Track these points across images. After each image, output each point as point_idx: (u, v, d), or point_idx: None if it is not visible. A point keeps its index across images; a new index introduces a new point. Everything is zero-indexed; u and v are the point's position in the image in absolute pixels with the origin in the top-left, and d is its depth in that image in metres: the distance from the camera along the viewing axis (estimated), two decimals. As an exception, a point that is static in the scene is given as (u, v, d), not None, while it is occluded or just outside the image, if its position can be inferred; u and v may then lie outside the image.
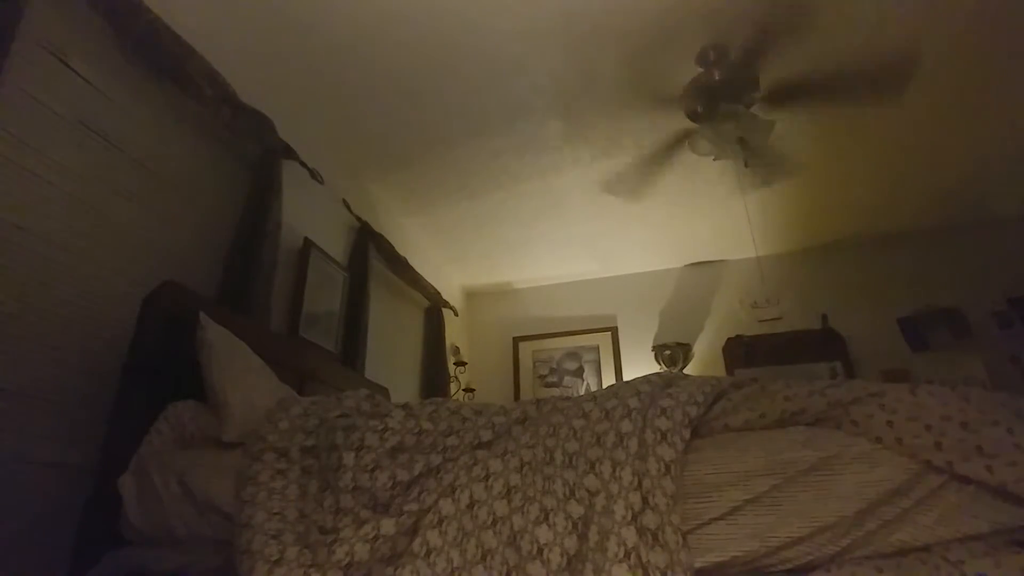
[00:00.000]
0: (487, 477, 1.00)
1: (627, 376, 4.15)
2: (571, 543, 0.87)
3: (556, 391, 4.34)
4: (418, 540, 0.91)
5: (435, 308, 3.94)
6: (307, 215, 2.60)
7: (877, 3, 2.16)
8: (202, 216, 2.02)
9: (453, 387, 3.99)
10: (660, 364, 4.12)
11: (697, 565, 0.83)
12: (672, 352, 4.12)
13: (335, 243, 2.84)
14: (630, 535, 0.83)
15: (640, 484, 0.89)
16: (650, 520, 0.85)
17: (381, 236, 3.19)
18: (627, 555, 0.81)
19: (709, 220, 3.79)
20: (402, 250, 3.40)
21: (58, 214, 1.48)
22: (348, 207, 2.97)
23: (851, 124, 2.86)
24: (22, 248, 1.38)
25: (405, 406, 1.23)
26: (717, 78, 2.46)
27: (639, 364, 4.18)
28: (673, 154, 2.99)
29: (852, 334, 3.80)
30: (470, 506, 0.96)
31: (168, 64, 1.81)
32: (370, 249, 3.05)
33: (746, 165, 2.83)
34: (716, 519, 0.86)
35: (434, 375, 3.71)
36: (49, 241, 1.45)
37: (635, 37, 2.31)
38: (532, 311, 4.69)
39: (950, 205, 3.58)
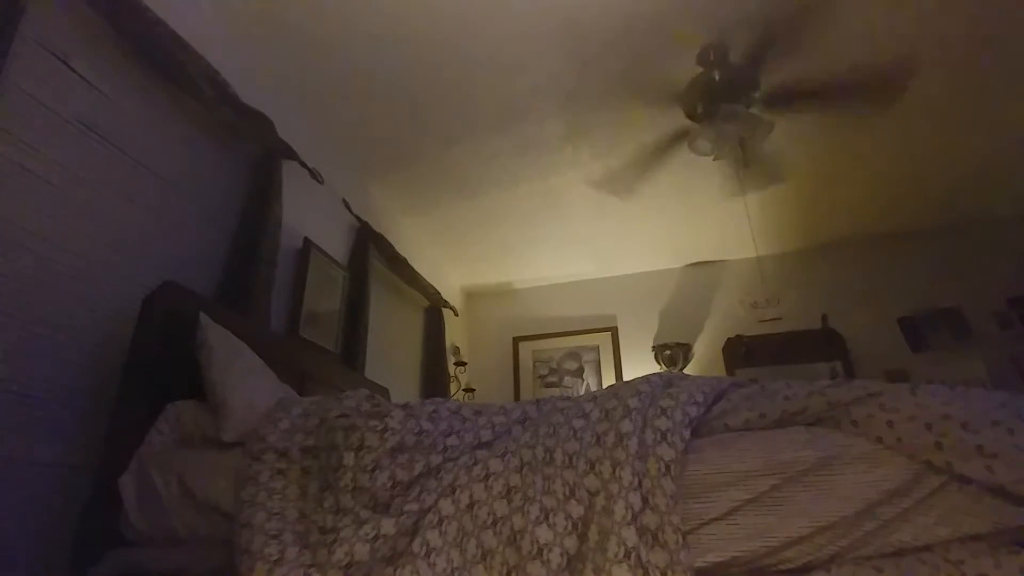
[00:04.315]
0: (487, 477, 1.00)
1: (627, 376, 4.15)
2: (571, 543, 0.87)
3: (556, 391, 4.34)
4: (418, 540, 0.91)
5: (435, 308, 3.94)
6: (307, 215, 2.60)
7: (876, 10, 2.17)
8: (202, 216, 2.02)
9: (453, 387, 3.99)
10: (660, 364, 4.12)
11: (697, 565, 0.83)
12: (672, 352, 4.12)
13: (335, 243, 2.84)
14: (630, 535, 0.83)
15: (640, 484, 0.89)
16: (650, 520, 0.85)
17: (381, 236, 3.19)
18: (627, 555, 0.81)
19: (709, 220, 3.79)
20: (402, 250, 3.40)
21: (58, 214, 1.48)
22: (348, 207, 2.97)
23: (852, 124, 2.85)
24: (22, 248, 1.38)
25: (405, 406, 1.23)
26: (717, 78, 2.46)
27: (639, 364, 4.18)
28: (673, 154, 2.99)
29: (852, 334, 3.80)
30: (470, 506, 0.96)
31: (168, 64, 1.81)
32: (370, 249, 3.05)
33: (746, 165, 2.83)
34: (716, 519, 0.86)
35: (434, 375, 3.71)
36: (49, 241, 1.45)
37: (635, 37, 2.31)
38: (532, 311, 4.69)
39: (950, 205, 3.57)
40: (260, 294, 2.06)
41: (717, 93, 2.49)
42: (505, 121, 2.81)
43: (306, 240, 2.56)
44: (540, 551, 0.87)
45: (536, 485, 0.96)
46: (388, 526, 0.95)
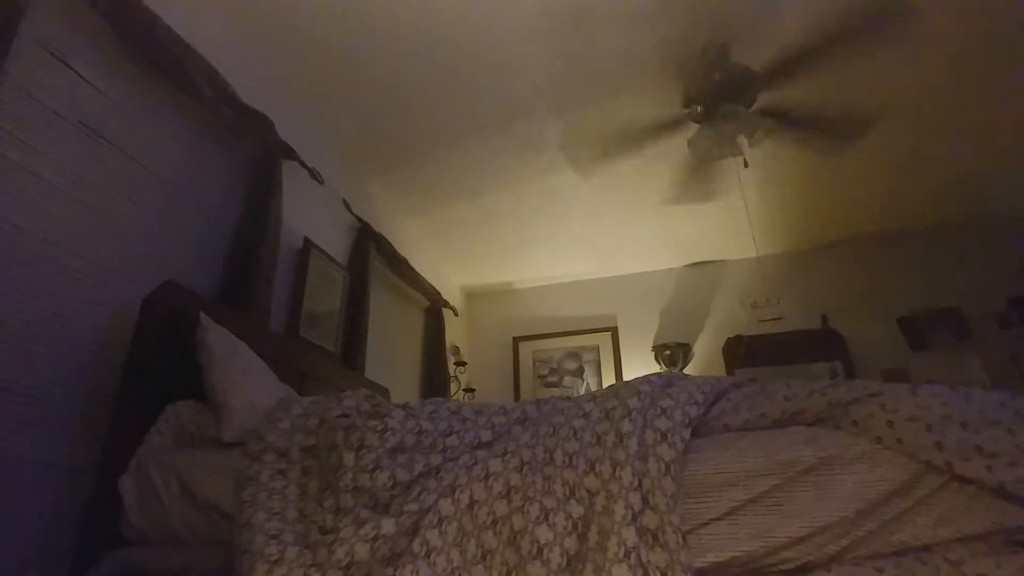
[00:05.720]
0: (487, 477, 1.00)
1: (627, 376, 4.15)
2: (571, 543, 0.87)
3: (556, 391, 4.34)
4: (418, 540, 0.91)
5: (435, 308, 3.94)
6: (307, 215, 2.60)
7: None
8: (202, 216, 2.02)
9: (453, 387, 3.99)
10: (660, 364, 4.12)
11: (697, 565, 0.83)
12: (672, 352, 4.11)
13: (335, 243, 2.84)
14: (630, 535, 0.83)
15: (640, 484, 0.89)
16: (650, 520, 0.85)
17: (381, 236, 3.19)
18: (627, 555, 0.81)
19: (709, 220, 3.79)
20: (402, 250, 3.40)
21: (58, 214, 1.48)
22: (348, 207, 2.97)
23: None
24: (22, 248, 1.38)
25: (405, 406, 1.23)
26: (717, 78, 2.46)
27: (639, 364, 4.18)
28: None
29: (852, 334, 3.80)
30: (470, 506, 0.96)
31: (168, 64, 1.81)
32: (370, 249, 3.05)
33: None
34: (716, 519, 0.86)
35: (434, 375, 3.71)
36: (49, 241, 1.45)
37: (635, 37, 2.31)
38: (532, 311, 4.69)
39: (950, 205, 3.57)
40: (260, 294, 2.06)
41: (717, 93, 2.49)
42: (505, 121, 2.81)
43: (306, 240, 2.56)
44: (540, 551, 0.87)
45: (536, 485, 0.96)
46: (388, 526, 0.95)
